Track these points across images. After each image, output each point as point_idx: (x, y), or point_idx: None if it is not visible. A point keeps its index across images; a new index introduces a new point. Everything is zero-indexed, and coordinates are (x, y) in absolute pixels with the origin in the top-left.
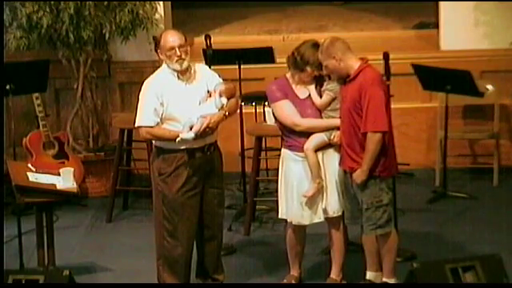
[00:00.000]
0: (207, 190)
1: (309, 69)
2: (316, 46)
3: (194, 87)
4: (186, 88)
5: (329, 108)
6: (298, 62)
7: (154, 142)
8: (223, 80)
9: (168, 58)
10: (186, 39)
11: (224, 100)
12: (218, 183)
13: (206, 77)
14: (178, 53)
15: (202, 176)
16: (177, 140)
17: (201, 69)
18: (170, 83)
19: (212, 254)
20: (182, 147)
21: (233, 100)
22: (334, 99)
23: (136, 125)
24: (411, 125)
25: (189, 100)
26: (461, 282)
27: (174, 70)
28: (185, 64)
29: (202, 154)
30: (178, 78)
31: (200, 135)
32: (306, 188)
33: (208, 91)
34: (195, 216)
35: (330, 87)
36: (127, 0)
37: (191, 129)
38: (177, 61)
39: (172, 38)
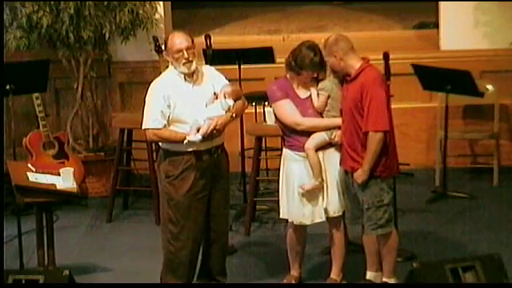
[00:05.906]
0: (214, 192)
1: (305, 72)
2: (311, 48)
3: (201, 89)
4: (192, 90)
5: (330, 108)
6: (293, 66)
7: (160, 144)
8: (229, 81)
9: (175, 60)
10: (192, 41)
11: (230, 102)
12: (224, 185)
13: (213, 78)
14: (186, 55)
15: (210, 178)
16: (184, 142)
17: (207, 70)
18: (177, 85)
19: (217, 256)
20: (190, 149)
21: (239, 102)
22: (328, 97)
23: (143, 127)
24: (411, 125)
25: (196, 102)
26: (461, 282)
27: (182, 73)
28: (193, 66)
29: (209, 157)
30: (185, 79)
31: (207, 137)
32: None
33: (214, 93)
34: (202, 218)
35: (322, 86)
36: (127, 0)
37: (198, 131)
38: (184, 64)
39: (179, 40)
